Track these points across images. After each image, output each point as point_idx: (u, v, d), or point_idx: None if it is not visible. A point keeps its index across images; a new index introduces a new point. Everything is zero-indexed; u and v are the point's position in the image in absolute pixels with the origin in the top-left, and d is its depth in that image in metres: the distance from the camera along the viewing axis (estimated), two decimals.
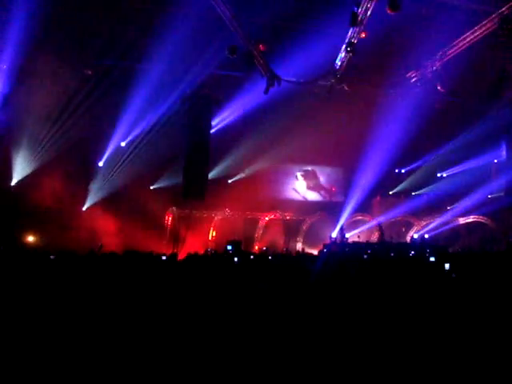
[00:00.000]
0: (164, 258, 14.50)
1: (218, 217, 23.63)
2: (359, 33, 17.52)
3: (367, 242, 23.27)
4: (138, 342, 5.08)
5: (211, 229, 23.58)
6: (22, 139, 19.48)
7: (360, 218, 25.26)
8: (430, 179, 26.63)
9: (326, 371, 4.23)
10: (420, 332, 5.09)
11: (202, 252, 19.53)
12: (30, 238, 19.47)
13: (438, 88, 21.00)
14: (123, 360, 4.60)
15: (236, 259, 12.92)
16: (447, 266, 9.61)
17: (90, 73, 19.59)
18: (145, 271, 10.15)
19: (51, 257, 12.66)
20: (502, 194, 24.53)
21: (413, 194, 26.76)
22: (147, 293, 7.46)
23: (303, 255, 19.27)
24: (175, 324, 5.81)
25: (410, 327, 5.39)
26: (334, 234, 23.14)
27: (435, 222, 25.54)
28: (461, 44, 18.74)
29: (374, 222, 24.76)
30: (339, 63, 19.24)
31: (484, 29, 17.86)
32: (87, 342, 4.90)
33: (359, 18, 16.81)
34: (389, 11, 16.11)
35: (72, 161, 20.29)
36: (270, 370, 4.23)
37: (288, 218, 24.97)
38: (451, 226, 25.53)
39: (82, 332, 5.21)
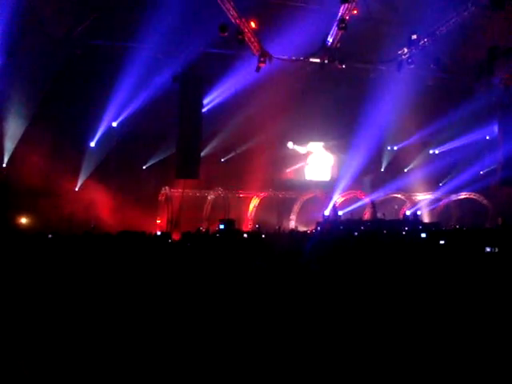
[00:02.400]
0: (159, 233, 14.55)
1: (211, 195, 23.61)
2: (351, 9, 17.41)
3: (360, 219, 23.38)
4: (134, 321, 5.12)
5: (205, 207, 23.57)
6: (12, 118, 19.31)
7: (353, 195, 25.29)
8: (423, 156, 26.71)
9: (324, 354, 4.28)
10: (417, 314, 5.13)
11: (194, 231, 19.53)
12: (24, 220, 19.43)
13: (431, 65, 20.96)
14: (121, 338, 4.65)
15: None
16: (442, 242, 9.67)
17: (79, 52, 19.36)
18: (139, 251, 10.18)
19: (49, 236, 12.71)
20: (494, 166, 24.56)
21: (405, 170, 26.84)
22: (142, 272, 7.49)
23: (296, 233, 19.33)
24: (170, 302, 5.85)
25: (404, 302, 5.44)
26: (327, 212, 23.19)
27: (427, 198, 25.68)
28: (453, 20, 18.65)
29: (366, 200, 24.83)
30: (331, 40, 19.12)
31: (475, 5, 17.79)
32: (84, 322, 4.94)
33: None
34: None
35: (64, 142, 20.20)
36: (267, 351, 4.28)
37: (280, 196, 25.01)
38: (443, 202, 25.69)
39: (79, 311, 5.25)
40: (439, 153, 26.74)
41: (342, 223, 21.59)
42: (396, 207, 26.59)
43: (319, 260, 8.21)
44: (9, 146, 19.60)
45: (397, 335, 4.32)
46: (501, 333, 4.33)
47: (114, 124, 21.53)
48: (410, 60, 20.83)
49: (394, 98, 21.09)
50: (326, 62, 20.22)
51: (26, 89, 18.68)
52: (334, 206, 23.37)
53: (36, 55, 18.23)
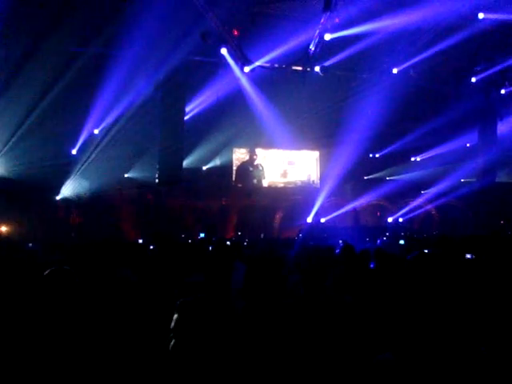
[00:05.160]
0: (140, 241, 14.43)
1: (193, 204, 23.52)
2: (333, 17, 17.48)
3: (345, 226, 23.40)
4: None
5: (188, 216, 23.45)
6: None
7: (335, 202, 25.32)
8: (404, 164, 26.88)
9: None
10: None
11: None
12: (3, 229, 19.18)
13: (411, 73, 21.16)
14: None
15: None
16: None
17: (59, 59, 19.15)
18: (123, 259, 10.05)
19: (29, 244, 12.51)
20: (473, 179, 24.83)
21: (387, 178, 26.98)
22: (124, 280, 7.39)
23: (279, 240, 19.29)
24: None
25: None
26: (310, 219, 23.18)
27: (409, 206, 25.80)
28: (434, 29, 18.81)
29: (348, 207, 24.88)
30: (313, 48, 19.19)
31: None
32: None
33: (333, 2, 16.77)
34: None
35: (44, 149, 19.98)
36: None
37: (264, 203, 24.95)
38: (424, 210, 25.82)
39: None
40: (421, 160, 26.94)
41: (325, 230, 21.59)
42: (378, 214, 26.69)
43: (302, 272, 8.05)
44: None
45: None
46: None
47: (96, 131, 21.37)
48: (391, 68, 21.06)
49: (375, 106, 21.20)
50: (308, 70, 20.30)
51: (6, 97, 18.48)
52: (317, 212, 23.36)
53: (16, 64, 18.02)
